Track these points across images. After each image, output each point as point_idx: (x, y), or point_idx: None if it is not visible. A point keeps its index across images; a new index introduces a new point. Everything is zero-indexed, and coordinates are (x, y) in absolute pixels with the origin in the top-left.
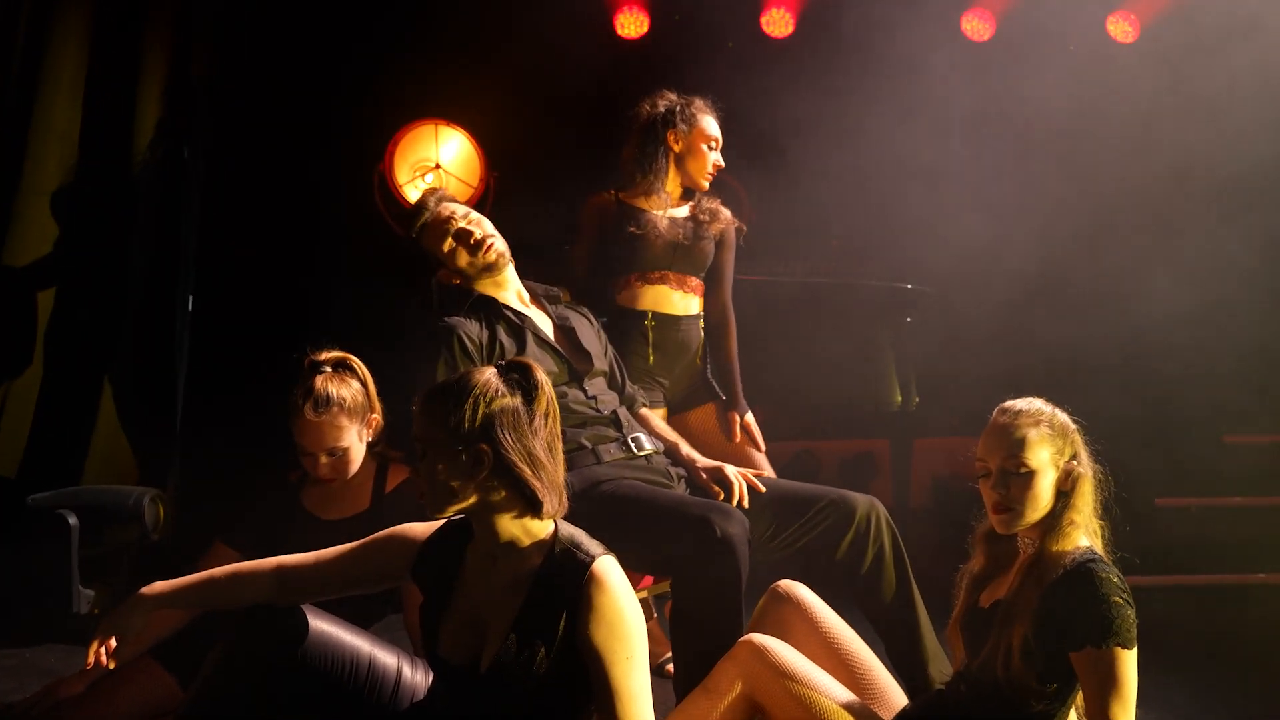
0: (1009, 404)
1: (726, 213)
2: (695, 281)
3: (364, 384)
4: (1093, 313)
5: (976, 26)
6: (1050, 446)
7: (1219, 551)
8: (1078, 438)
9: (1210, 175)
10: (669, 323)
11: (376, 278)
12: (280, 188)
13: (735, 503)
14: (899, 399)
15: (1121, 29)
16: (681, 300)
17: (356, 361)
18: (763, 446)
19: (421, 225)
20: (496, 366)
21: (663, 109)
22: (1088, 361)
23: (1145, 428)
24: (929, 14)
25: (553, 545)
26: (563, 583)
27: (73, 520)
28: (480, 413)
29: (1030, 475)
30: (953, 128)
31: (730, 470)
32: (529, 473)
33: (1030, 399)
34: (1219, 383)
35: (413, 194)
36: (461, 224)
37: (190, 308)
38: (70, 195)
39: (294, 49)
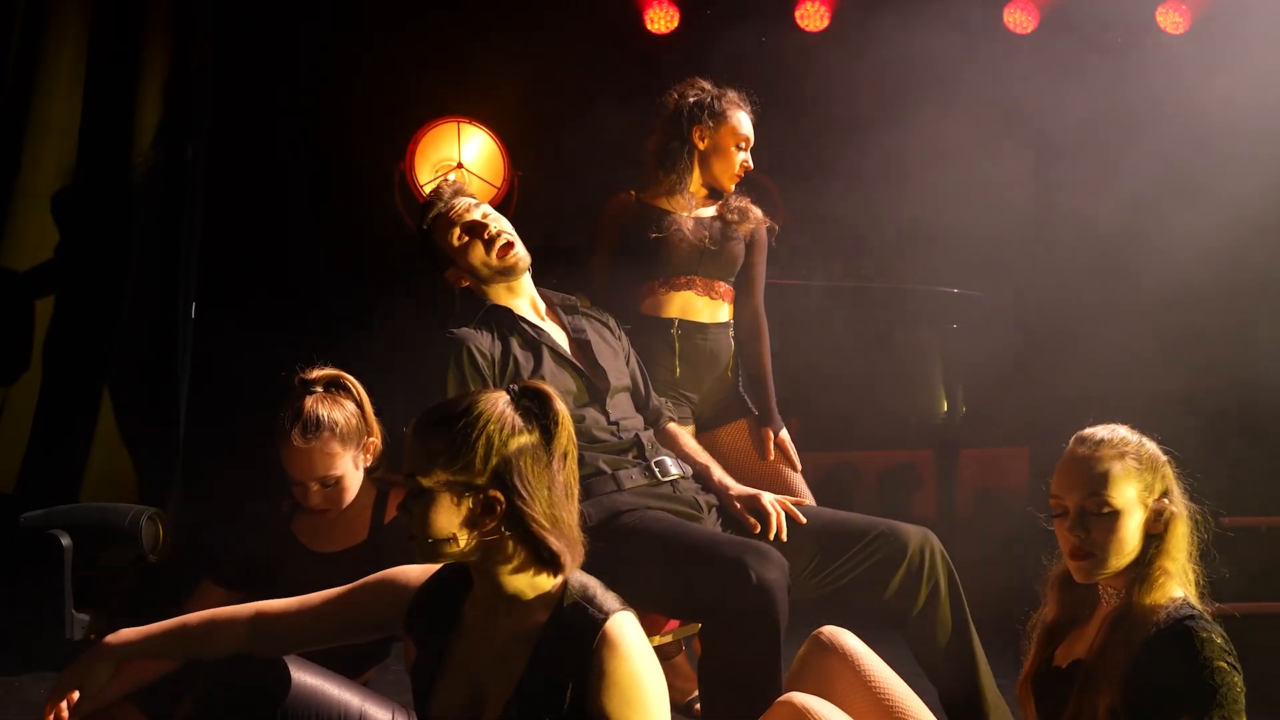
0: (1088, 432)
1: (757, 211)
2: (724, 287)
3: (359, 405)
4: (1148, 317)
5: (1019, 19)
6: (1138, 482)
7: None
8: (1170, 472)
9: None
10: (696, 331)
11: (395, 285)
12: (290, 189)
13: (773, 536)
14: (945, 408)
15: (1171, 20)
16: (709, 307)
17: (351, 380)
18: (798, 466)
19: (434, 217)
20: (509, 392)
21: (691, 100)
22: (1143, 370)
23: (1207, 441)
24: (969, 6)
25: (561, 598)
26: (571, 644)
27: (66, 541)
28: (494, 454)
29: (1114, 516)
30: (997, 124)
31: (767, 499)
32: (547, 529)
33: (1113, 426)
34: None
35: None
36: (475, 216)
37: (193, 315)
38: (69, 198)
39: (304, 40)
